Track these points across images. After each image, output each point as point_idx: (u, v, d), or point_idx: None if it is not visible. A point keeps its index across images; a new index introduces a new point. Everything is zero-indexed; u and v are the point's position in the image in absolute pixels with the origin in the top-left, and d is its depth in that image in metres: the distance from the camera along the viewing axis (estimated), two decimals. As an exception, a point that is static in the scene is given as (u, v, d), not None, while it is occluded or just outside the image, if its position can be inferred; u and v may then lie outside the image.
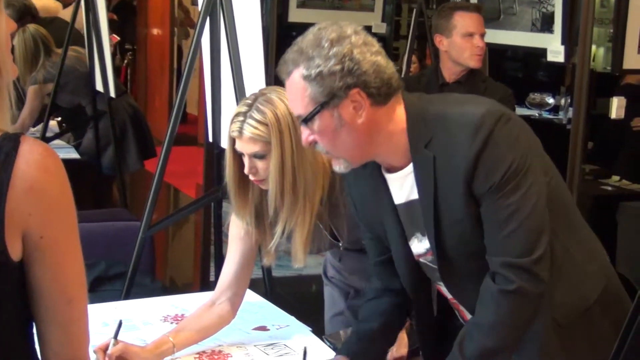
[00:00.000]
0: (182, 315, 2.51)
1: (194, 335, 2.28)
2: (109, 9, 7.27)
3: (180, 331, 2.26)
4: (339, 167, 1.89)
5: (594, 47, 4.87)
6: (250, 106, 2.18)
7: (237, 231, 2.34)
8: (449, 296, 2.05)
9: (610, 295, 1.97)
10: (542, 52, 4.28)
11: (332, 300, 2.68)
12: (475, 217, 1.82)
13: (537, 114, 6.08)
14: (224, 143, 2.62)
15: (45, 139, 4.84)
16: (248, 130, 2.15)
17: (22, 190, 1.24)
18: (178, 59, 9.29)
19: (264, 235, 2.32)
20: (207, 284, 3.30)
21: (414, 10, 5.48)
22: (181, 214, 3.56)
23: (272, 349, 2.33)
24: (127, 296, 2.90)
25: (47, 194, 1.27)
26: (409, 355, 2.31)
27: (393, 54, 7.09)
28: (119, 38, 7.81)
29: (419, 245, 1.96)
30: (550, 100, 6.16)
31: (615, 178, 4.78)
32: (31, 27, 4.95)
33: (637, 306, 1.50)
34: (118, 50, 9.02)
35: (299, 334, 2.43)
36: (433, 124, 1.83)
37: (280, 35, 4.67)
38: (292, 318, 2.54)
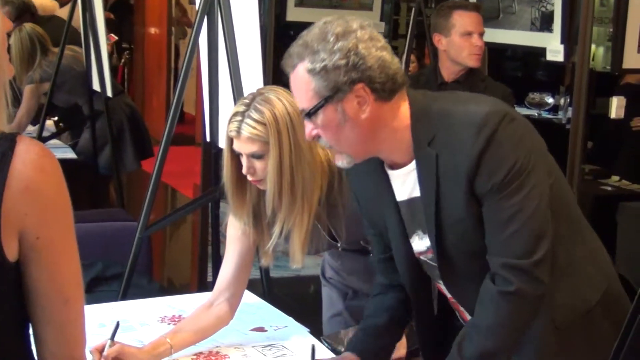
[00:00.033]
0: (180, 316, 2.50)
1: (192, 336, 2.27)
2: (106, 7, 7.27)
3: (178, 332, 2.25)
4: (341, 162, 1.88)
5: (593, 46, 4.87)
6: (248, 106, 2.17)
7: (235, 232, 2.32)
8: (449, 295, 2.04)
9: (611, 297, 1.96)
10: (542, 51, 4.27)
11: (330, 301, 2.67)
12: (477, 217, 1.81)
13: (536, 114, 6.09)
14: (222, 143, 2.62)
15: (42, 139, 4.83)
16: (246, 130, 2.14)
17: (19, 190, 1.24)
18: (175, 59, 9.29)
19: (261, 236, 2.31)
20: (204, 285, 3.29)
21: (413, 9, 5.46)
22: (179, 214, 3.56)
23: (269, 350, 2.32)
24: (124, 297, 2.90)
25: (44, 194, 1.27)
26: (408, 355, 2.30)
27: (392, 54, 7.07)
28: (117, 38, 7.80)
29: (420, 243, 1.95)
30: (550, 100, 6.17)
31: (615, 178, 4.79)
32: (28, 26, 4.94)
33: (636, 306, 1.50)
34: (115, 49, 9.00)
35: (297, 335, 2.41)
36: (437, 121, 1.82)
37: (278, 35, 4.67)
38: (290, 319, 2.53)
